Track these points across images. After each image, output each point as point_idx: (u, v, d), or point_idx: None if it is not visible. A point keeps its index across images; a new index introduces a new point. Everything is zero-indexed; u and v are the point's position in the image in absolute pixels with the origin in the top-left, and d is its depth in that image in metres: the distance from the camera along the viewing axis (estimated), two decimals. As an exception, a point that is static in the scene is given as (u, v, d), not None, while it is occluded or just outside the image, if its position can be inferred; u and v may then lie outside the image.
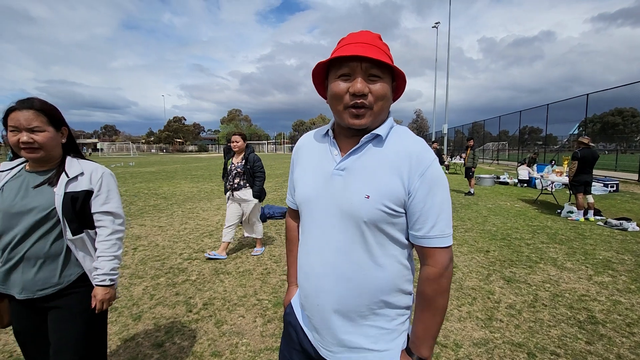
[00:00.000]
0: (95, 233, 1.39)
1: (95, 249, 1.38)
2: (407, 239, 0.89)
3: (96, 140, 70.99)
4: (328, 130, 0.95)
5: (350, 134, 0.90)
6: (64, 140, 1.35)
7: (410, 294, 0.93)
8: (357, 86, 0.80)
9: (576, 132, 17.80)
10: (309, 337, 0.97)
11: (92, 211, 1.36)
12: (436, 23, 28.52)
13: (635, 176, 11.64)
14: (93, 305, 1.34)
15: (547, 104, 17.42)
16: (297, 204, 1.00)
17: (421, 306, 0.88)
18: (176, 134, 69.61)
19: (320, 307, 0.89)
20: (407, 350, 0.89)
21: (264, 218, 5.75)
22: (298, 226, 1.11)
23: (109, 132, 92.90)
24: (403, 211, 0.85)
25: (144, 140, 76.38)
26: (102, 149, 54.77)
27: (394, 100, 0.92)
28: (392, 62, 0.85)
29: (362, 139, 0.87)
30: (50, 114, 1.28)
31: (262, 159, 4.23)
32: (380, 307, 0.87)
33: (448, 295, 0.88)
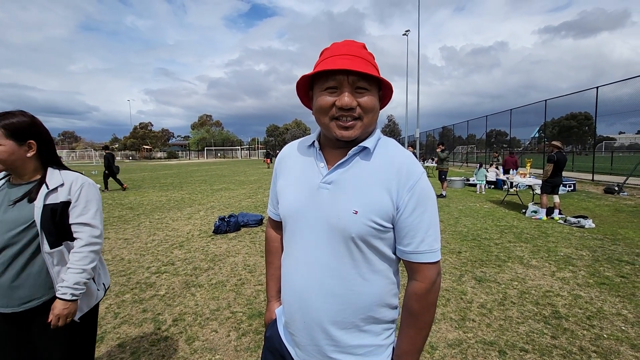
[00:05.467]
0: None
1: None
2: (394, 253, 0.87)
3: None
4: (314, 141, 0.93)
5: (337, 145, 0.88)
6: (29, 154, 1.28)
7: (396, 308, 0.92)
8: (345, 100, 0.78)
9: (537, 135, 18.92)
10: (292, 356, 0.93)
11: (70, 222, 1.32)
12: (406, 31, 29.40)
13: (590, 176, 12.51)
14: (49, 320, 1.26)
15: (510, 109, 18.42)
16: (281, 217, 0.96)
17: (407, 321, 0.86)
18: (143, 141, 66.85)
19: (307, 324, 0.86)
20: None
21: (237, 226, 5.61)
22: (280, 237, 1.07)
23: (69, 139, 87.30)
24: (391, 226, 0.83)
25: (108, 147, 72.60)
26: (60, 157, 51.77)
27: (380, 109, 0.91)
28: (378, 72, 0.83)
29: (349, 151, 0.85)
30: (9, 127, 1.22)
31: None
32: (367, 322, 0.85)
33: (435, 310, 0.87)
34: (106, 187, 11.32)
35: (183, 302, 3.02)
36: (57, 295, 1.27)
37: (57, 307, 1.26)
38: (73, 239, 1.34)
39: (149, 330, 2.56)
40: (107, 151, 11.72)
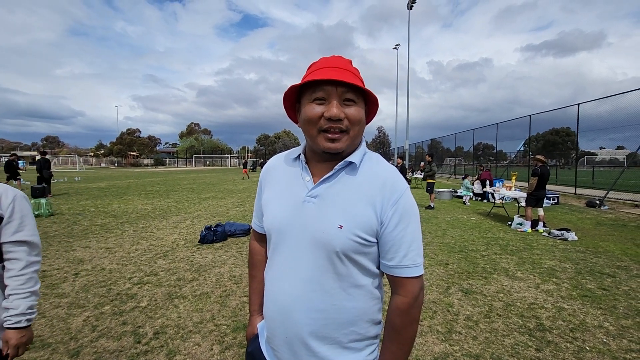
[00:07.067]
0: (3, 267, 1.19)
1: (5, 286, 1.18)
2: (378, 268, 0.87)
3: (35, 153, 65.10)
4: (300, 154, 0.93)
5: (323, 159, 0.88)
6: None
7: (380, 323, 0.91)
8: (333, 110, 0.79)
9: (522, 149, 19.41)
10: None
11: (2, 241, 1.16)
12: (397, 45, 30.07)
13: (572, 189, 12.85)
14: (5, 352, 1.14)
15: (497, 123, 18.89)
16: (266, 229, 0.95)
17: (390, 336, 0.85)
18: (130, 147, 65.79)
19: (289, 339, 0.84)
20: None
21: (224, 236, 5.52)
22: (264, 251, 1.06)
23: (52, 144, 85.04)
24: (375, 241, 0.83)
25: (92, 154, 71.16)
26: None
27: (366, 124, 0.92)
28: (364, 87, 0.85)
29: (335, 166, 0.85)
30: None
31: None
32: (350, 338, 0.84)
33: (417, 325, 0.86)
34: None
35: (165, 314, 2.92)
36: (8, 325, 1.14)
37: (14, 338, 1.14)
38: (2, 261, 1.18)
39: (128, 343, 2.46)
40: (41, 156, 11.58)
